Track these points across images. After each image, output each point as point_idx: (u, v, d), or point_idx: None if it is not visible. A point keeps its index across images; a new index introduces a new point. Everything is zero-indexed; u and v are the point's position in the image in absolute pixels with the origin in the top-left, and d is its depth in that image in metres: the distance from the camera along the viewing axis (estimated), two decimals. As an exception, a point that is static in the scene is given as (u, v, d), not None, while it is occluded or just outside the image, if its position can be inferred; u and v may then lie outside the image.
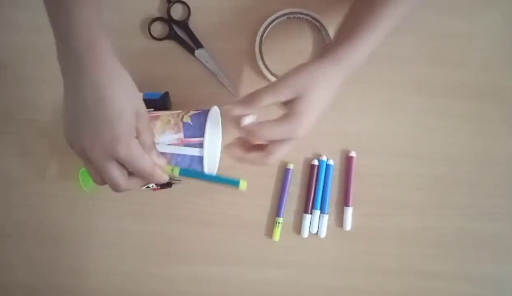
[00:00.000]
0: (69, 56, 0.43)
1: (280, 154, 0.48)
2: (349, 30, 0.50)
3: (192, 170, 0.52)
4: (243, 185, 0.50)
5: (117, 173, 0.45)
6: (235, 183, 0.51)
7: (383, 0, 0.50)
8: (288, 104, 0.47)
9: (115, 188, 0.46)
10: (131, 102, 0.45)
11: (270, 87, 0.47)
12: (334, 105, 0.65)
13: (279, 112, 0.48)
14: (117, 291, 0.65)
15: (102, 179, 0.47)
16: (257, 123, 0.48)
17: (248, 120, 0.48)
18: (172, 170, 0.51)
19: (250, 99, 0.47)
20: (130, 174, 0.48)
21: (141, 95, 0.49)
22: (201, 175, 0.52)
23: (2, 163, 0.66)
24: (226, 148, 0.50)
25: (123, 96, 0.44)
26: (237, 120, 0.48)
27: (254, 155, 0.49)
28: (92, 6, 0.43)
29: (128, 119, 0.44)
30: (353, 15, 0.53)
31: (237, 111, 0.47)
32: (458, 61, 0.67)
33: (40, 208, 0.66)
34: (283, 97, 0.46)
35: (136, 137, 0.46)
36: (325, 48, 0.51)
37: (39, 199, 0.66)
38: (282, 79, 0.47)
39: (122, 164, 0.46)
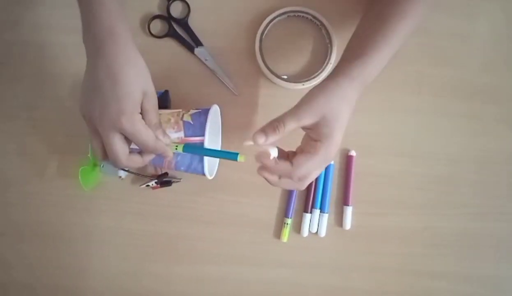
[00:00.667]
0: (92, 40, 0.48)
1: (312, 178, 0.51)
2: (360, 48, 0.52)
3: (194, 146, 0.53)
4: (241, 158, 0.50)
5: (119, 146, 0.48)
6: (234, 156, 0.50)
7: (392, 17, 0.52)
8: (313, 130, 0.49)
9: (116, 162, 0.50)
10: (139, 82, 0.48)
11: (292, 113, 0.48)
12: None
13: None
14: (117, 291, 0.65)
15: (104, 153, 0.50)
16: (294, 160, 0.48)
17: (273, 153, 0.49)
18: (176, 147, 0.53)
19: (274, 127, 0.48)
20: (132, 153, 0.51)
21: (150, 78, 0.51)
22: (202, 151, 0.53)
23: (1, 162, 0.66)
24: (260, 172, 0.51)
25: (132, 76, 0.48)
26: (263, 155, 0.49)
27: (288, 182, 0.51)
28: None
29: (135, 96, 0.48)
30: (362, 33, 0.55)
31: (261, 140, 0.48)
32: (458, 61, 0.67)
33: (39, 207, 0.65)
34: (306, 122, 0.48)
35: (143, 116, 0.50)
36: (338, 67, 0.52)
37: (38, 198, 0.65)
38: (302, 104, 0.48)
39: (126, 140, 0.50)
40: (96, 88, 0.47)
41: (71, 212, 0.65)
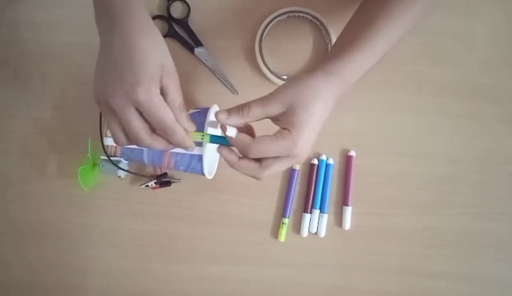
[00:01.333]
0: (105, 18, 0.45)
1: (274, 170, 0.47)
2: (342, 46, 0.50)
3: (219, 137, 0.48)
4: None
5: (138, 122, 0.44)
6: None
7: (379, 18, 0.50)
8: (281, 121, 0.46)
9: (137, 140, 0.45)
10: (157, 55, 0.45)
11: (260, 100, 0.46)
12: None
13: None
14: (117, 290, 0.65)
15: (126, 135, 0.46)
16: (254, 138, 0.46)
17: (229, 131, 0.46)
18: (202, 137, 0.48)
19: (238, 109, 0.46)
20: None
21: (170, 55, 0.46)
22: (226, 141, 0.48)
23: (1, 161, 0.66)
24: (220, 149, 0.48)
25: (149, 48, 0.44)
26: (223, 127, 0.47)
27: (247, 164, 0.47)
28: None
29: (151, 68, 0.44)
30: (348, 31, 0.53)
31: (222, 117, 0.46)
32: (458, 60, 0.67)
33: (39, 206, 0.65)
34: (273, 111, 0.45)
35: (164, 96, 0.45)
36: (320, 63, 0.50)
37: (38, 197, 0.66)
38: (272, 93, 0.46)
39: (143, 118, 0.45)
40: (110, 64, 0.44)
41: (70, 212, 0.65)
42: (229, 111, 0.46)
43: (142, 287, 0.65)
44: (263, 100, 0.46)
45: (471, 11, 0.68)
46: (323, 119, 0.47)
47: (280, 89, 0.46)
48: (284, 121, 0.45)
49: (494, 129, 0.66)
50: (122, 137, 0.46)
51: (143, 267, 0.65)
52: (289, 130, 0.45)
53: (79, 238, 0.65)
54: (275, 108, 0.45)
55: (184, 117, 0.46)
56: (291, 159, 0.46)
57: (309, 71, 0.48)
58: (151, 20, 0.46)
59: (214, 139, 0.48)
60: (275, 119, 0.47)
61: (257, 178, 0.48)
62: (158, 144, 0.46)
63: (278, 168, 0.47)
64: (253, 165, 0.47)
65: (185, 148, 0.47)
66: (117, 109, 0.44)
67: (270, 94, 0.46)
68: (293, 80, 0.47)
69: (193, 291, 0.65)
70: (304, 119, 0.45)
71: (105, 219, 0.65)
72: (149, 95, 0.43)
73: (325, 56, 0.52)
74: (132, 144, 0.47)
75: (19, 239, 0.65)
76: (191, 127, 0.47)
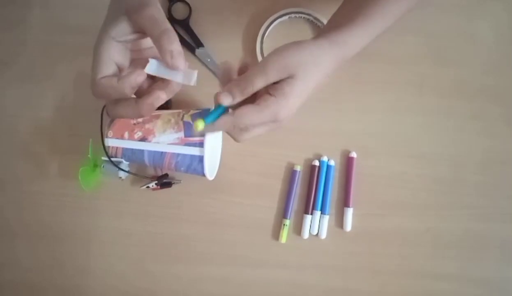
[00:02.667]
0: None
1: (254, 135, 0.45)
2: (347, 17, 0.49)
3: (208, 114, 0.44)
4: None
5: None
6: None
7: (372, 2, 0.50)
8: (274, 85, 0.44)
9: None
10: (120, 5, 0.43)
11: (261, 71, 0.43)
12: (335, 105, 0.65)
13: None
14: (116, 291, 0.65)
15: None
16: (237, 109, 0.43)
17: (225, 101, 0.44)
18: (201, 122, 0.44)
19: (242, 88, 0.43)
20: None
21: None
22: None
23: (2, 161, 0.66)
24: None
25: (115, 5, 0.44)
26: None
27: (228, 124, 0.44)
28: None
29: (109, 19, 0.43)
30: (344, 9, 0.52)
31: (227, 101, 0.43)
32: (461, 61, 0.67)
33: (40, 206, 0.65)
34: (273, 78, 0.43)
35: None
36: (321, 31, 0.49)
37: (39, 198, 0.66)
38: (271, 57, 0.43)
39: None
40: None
41: (71, 212, 0.65)
42: (232, 92, 0.43)
43: (142, 288, 0.65)
44: (265, 71, 0.43)
45: (474, 11, 0.67)
46: (314, 87, 0.46)
47: (280, 55, 0.43)
48: (277, 87, 0.43)
49: (497, 130, 0.66)
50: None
51: (143, 268, 0.65)
52: (275, 96, 0.43)
53: (80, 238, 0.65)
54: (275, 78, 0.43)
55: (169, 56, 0.42)
56: (272, 124, 0.45)
57: (314, 38, 0.47)
58: None
59: (208, 119, 0.44)
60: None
61: (236, 140, 0.46)
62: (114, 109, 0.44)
63: (257, 133, 0.45)
64: (231, 129, 0.45)
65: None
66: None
67: (268, 60, 0.43)
68: (297, 45, 0.44)
69: (194, 293, 0.64)
70: (298, 87, 0.43)
71: (106, 220, 0.65)
72: (101, 43, 0.42)
73: (327, 24, 0.51)
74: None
75: (18, 240, 0.65)
76: (181, 62, 0.43)
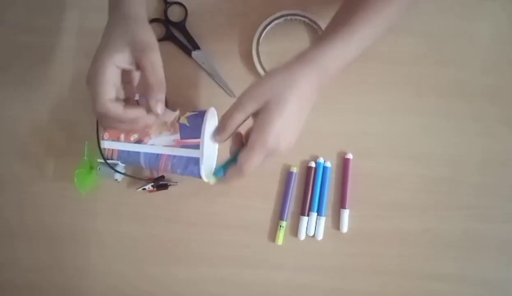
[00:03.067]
0: (109, 10, 0.51)
1: (253, 166, 0.46)
2: (322, 36, 0.50)
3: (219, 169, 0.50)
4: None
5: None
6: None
7: (358, 11, 0.50)
8: (255, 116, 0.46)
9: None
10: (125, 36, 0.47)
11: (236, 104, 0.46)
12: (331, 106, 0.65)
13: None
14: (114, 293, 0.64)
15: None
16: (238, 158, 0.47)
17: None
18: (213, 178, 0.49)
19: (224, 122, 0.47)
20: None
21: (147, 34, 0.49)
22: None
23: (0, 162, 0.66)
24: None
25: (119, 32, 0.47)
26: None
27: (235, 173, 0.48)
28: None
29: (113, 47, 0.47)
30: (330, 24, 0.53)
31: (221, 140, 0.49)
32: (460, 61, 0.67)
33: (36, 208, 0.65)
34: (250, 109, 0.45)
35: (142, 74, 0.48)
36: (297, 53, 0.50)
37: (36, 200, 0.66)
38: (246, 90, 0.46)
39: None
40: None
41: (68, 214, 0.65)
42: (219, 133, 0.48)
43: (140, 290, 0.64)
44: (241, 105, 0.46)
45: (473, 12, 0.67)
46: (302, 110, 0.46)
47: (255, 86, 0.46)
48: (257, 118, 0.45)
49: (496, 130, 0.66)
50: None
51: (140, 270, 0.65)
52: (255, 130, 0.45)
53: (77, 240, 0.65)
54: (252, 108, 0.45)
55: (153, 99, 0.48)
56: (270, 155, 0.46)
57: (286, 62, 0.48)
58: (137, 10, 0.49)
59: (218, 173, 0.50)
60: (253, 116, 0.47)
61: (240, 179, 0.48)
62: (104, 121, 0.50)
63: (257, 164, 0.46)
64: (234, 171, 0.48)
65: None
66: (87, 84, 0.49)
67: (247, 92, 0.46)
68: (268, 75, 0.47)
69: (191, 294, 0.64)
70: (275, 115, 0.44)
71: (103, 222, 0.65)
72: (96, 68, 0.46)
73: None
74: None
75: (16, 241, 0.65)
76: (159, 109, 0.49)
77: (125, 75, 0.50)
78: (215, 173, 0.48)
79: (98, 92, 0.47)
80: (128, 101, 0.52)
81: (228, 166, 0.48)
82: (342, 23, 0.49)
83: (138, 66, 0.48)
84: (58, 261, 0.65)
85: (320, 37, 0.50)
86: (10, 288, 0.65)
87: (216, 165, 0.49)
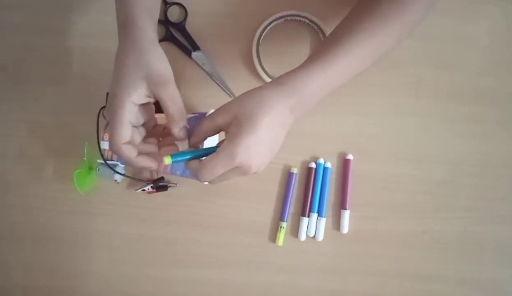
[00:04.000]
0: (118, 33, 0.49)
1: (221, 180, 0.46)
2: (303, 63, 0.49)
3: (182, 156, 0.47)
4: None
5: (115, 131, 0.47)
6: (215, 148, 0.47)
7: (344, 38, 0.48)
8: (227, 131, 0.46)
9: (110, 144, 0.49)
10: (140, 68, 0.46)
11: (208, 116, 0.47)
12: (331, 107, 0.65)
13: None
14: (114, 294, 0.64)
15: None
16: (202, 161, 0.46)
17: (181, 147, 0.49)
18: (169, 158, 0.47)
19: (193, 132, 0.48)
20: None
21: (162, 65, 0.48)
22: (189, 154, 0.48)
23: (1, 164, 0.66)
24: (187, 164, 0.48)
25: (133, 62, 0.46)
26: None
27: (194, 166, 0.47)
28: None
29: (129, 81, 0.46)
30: (318, 48, 0.51)
31: (188, 145, 0.49)
32: (457, 64, 0.67)
33: (35, 209, 0.65)
34: (220, 122, 0.46)
35: (162, 106, 0.48)
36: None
37: (35, 201, 0.65)
38: (222, 105, 0.47)
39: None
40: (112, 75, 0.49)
41: (68, 215, 0.65)
42: (187, 138, 0.48)
43: (140, 291, 0.64)
44: (211, 115, 0.46)
45: (470, 14, 0.67)
46: (275, 132, 0.46)
47: (229, 102, 0.46)
48: (228, 133, 0.45)
49: (493, 133, 0.66)
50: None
51: (140, 271, 0.64)
52: (226, 140, 0.44)
53: (77, 242, 0.65)
54: (221, 119, 0.46)
55: (176, 126, 0.48)
56: (236, 170, 0.45)
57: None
58: (149, 35, 0.48)
59: (175, 157, 0.47)
60: (225, 132, 0.47)
61: (199, 180, 0.47)
62: (123, 156, 0.48)
63: (218, 173, 0.45)
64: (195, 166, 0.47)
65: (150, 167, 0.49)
66: (107, 118, 0.47)
67: (220, 106, 0.47)
68: (244, 93, 0.47)
69: (190, 295, 0.64)
70: (246, 128, 0.44)
71: (102, 223, 0.65)
72: (114, 107, 0.45)
73: None
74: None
75: (17, 243, 0.65)
76: (144, 162, 0.48)
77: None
78: (174, 157, 0.46)
79: (114, 133, 0.46)
80: (148, 123, 0.51)
81: (185, 155, 0.47)
82: (324, 50, 0.48)
83: (155, 100, 0.48)
84: (56, 263, 0.65)
85: (303, 62, 0.49)
86: (9, 290, 0.65)
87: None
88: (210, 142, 0.61)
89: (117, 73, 0.47)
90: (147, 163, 0.49)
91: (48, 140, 0.66)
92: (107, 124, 0.58)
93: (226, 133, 0.46)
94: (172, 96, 0.48)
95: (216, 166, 0.44)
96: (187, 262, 0.65)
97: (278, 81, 0.47)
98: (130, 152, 0.47)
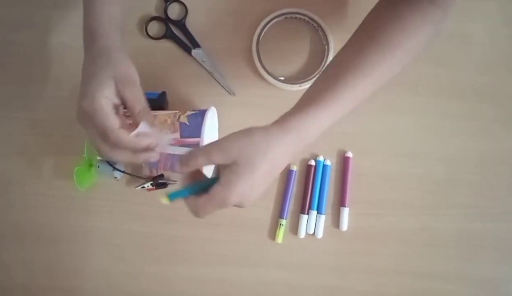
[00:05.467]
0: (84, 37, 0.51)
1: (205, 212, 0.45)
2: (307, 100, 0.47)
3: (179, 193, 0.47)
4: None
5: (93, 133, 0.47)
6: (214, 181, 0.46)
7: (347, 74, 0.47)
8: (223, 168, 0.44)
9: (99, 150, 0.48)
10: (107, 69, 0.47)
11: (205, 148, 0.45)
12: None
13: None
14: (114, 292, 0.64)
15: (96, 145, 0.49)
16: (196, 199, 0.45)
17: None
18: (166, 198, 0.47)
19: (185, 161, 0.45)
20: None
21: (127, 67, 0.49)
22: (185, 192, 0.47)
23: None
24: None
25: (100, 65, 0.47)
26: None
27: (190, 205, 0.46)
28: (107, 5, 0.51)
29: (98, 80, 0.46)
30: (317, 83, 0.50)
31: (179, 172, 0.48)
32: (456, 61, 0.67)
33: (36, 207, 0.65)
34: (216, 160, 0.44)
35: (126, 106, 0.48)
36: (280, 117, 0.47)
37: (34, 199, 0.65)
38: (221, 141, 0.44)
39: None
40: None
41: (68, 213, 0.65)
42: (181, 163, 0.46)
43: (139, 289, 0.64)
44: (208, 150, 0.44)
45: (469, 12, 0.68)
46: (270, 175, 0.45)
47: (229, 140, 0.44)
48: (224, 173, 0.44)
49: (492, 130, 0.66)
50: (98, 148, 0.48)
51: (139, 269, 0.64)
52: (221, 184, 0.43)
53: (76, 239, 0.65)
54: (219, 159, 0.44)
55: (142, 124, 0.47)
56: (228, 206, 0.45)
57: (266, 125, 0.46)
58: (114, 43, 0.50)
59: (172, 196, 0.47)
60: (219, 169, 0.46)
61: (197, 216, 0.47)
62: (118, 155, 0.47)
63: (211, 213, 0.45)
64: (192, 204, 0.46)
65: (133, 160, 0.48)
66: (80, 123, 0.48)
67: (220, 142, 0.45)
68: (245, 132, 0.45)
69: (190, 293, 0.64)
70: (243, 176, 0.43)
71: (103, 220, 0.65)
72: (91, 103, 0.45)
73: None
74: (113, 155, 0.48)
75: (16, 241, 0.65)
76: (143, 140, 0.47)
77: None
78: (171, 196, 0.46)
79: (107, 125, 0.45)
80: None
81: (182, 194, 0.47)
82: (328, 89, 0.47)
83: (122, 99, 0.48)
84: (56, 260, 0.65)
85: (304, 101, 0.47)
86: (8, 289, 0.65)
87: (177, 191, 0.47)
88: (209, 140, 0.60)
89: (86, 76, 0.48)
90: (150, 139, 0.48)
91: (48, 138, 0.66)
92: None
93: (219, 170, 0.45)
94: (136, 93, 0.48)
95: (208, 208, 0.44)
96: (187, 259, 0.65)
97: (285, 126, 0.45)
98: (131, 137, 0.47)
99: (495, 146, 0.66)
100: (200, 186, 0.46)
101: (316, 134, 0.47)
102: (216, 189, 0.43)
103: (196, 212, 0.45)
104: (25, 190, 0.65)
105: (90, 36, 0.50)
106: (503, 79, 0.66)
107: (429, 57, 0.67)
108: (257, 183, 0.44)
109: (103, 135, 0.46)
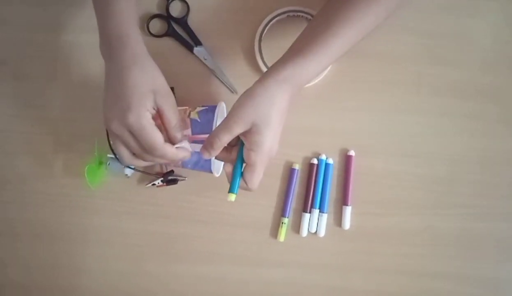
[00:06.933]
0: (105, 45, 0.52)
1: (256, 182, 0.50)
2: (296, 50, 0.51)
3: (234, 182, 0.50)
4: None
5: (134, 144, 0.50)
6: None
7: (334, 25, 0.51)
8: (246, 137, 0.49)
9: (120, 159, 0.52)
10: (147, 80, 0.50)
11: (224, 127, 0.48)
12: (333, 104, 0.66)
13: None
14: (115, 290, 0.64)
15: (128, 155, 0.52)
16: (243, 177, 0.50)
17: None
18: (231, 195, 0.50)
19: (211, 143, 0.49)
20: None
21: (162, 78, 0.52)
22: None
23: (8, 161, 0.66)
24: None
25: (139, 75, 0.49)
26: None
27: (244, 187, 0.51)
28: (126, 4, 0.52)
29: (141, 92, 0.49)
30: (305, 34, 0.53)
31: (206, 156, 0.51)
32: (458, 60, 0.67)
33: (44, 206, 0.65)
34: (239, 131, 0.48)
35: (161, 118, 0.51)
36: (270, 69, 0.51)
37: (43, 197, 0.65)
38: (232, 113, 0.48)
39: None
40: (110, 91, 0.50)
41: (69, 211, 0.65)
42: (206, 148, 0.50)
43: (141, 288, 0.64)
44: (227, 127, 0.48)
45: (471, 11, 0.67)
46: (280, 123, 0.50)
47: (238, 110, 0.48)
48: (248, 140, 0.48)
49: (495, 130, 0.66)
50: (126, 157, 0.52)
51: (142, 267, 0.64)
52: (253, 150, 0.48)
53: (77, 238, 0.65)
54: (240, 129, 0.48)
55: (177, 137, 0.52)
56: (262, 170, 0.50)
57: (261, 80, 0.49)
58: (143, 48, 0.52)
59: (233, 189, 0.50)
60: (241, 135, 0.49)
61: (248, 190, 0.51)
62: (136, 163, 0.53)
63: (261, 178, 0.50)
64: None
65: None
66: (116, 132, 0.49)
67: (230, 116, 0.48)
68: (247, 96, 0.49)
69: (192, 292, 0.64)
70: (266, 134, 0.48)
71: (103, 219, 0.65)
72: (138, 118, 0.48)
73: (279, 59, 0.52)
74: (137, 162, 0.53)
75: (16, 239, 0.65)
76: (185, 145, 0.52)
77: None
78: (233, 190, 0.50)
79: (155, 142, 0.49)
80: None
81: (237, 182, 0.50)
82: (316, 38, 0.51)
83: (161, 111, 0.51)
84: (57, 260, 0.65)
85: (294, 51, 0.51)
86: (8, 287, 0.65)
87: (232, 184, 0.51)
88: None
89: (123, 85, 0.49)
90: (187, 153, 0.53)
91: (56, 136, 0.66)
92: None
93: (244, 138, 0.49)
94: (174, 107, 0.52)
95: (255, 179, 0.49)
96: (188, 258, 0.65)
97: (279, 78, 0.49)
98: (173, 150, 0.51)
99: (497, 146, 0.66)
100: (239, 162, 0.50)
101: (307, 80, 0.52)
102: (250, 156, 0.48)
103: (251, 188, 0.50)
104: (34, 189, 0.66)
105: (118, 40, 0.50)
106: (506, 79, 0.66)
107: (431, 57, 0.67)
108: (277, 132, 0.49)
109: (147, 148, 0.49)
